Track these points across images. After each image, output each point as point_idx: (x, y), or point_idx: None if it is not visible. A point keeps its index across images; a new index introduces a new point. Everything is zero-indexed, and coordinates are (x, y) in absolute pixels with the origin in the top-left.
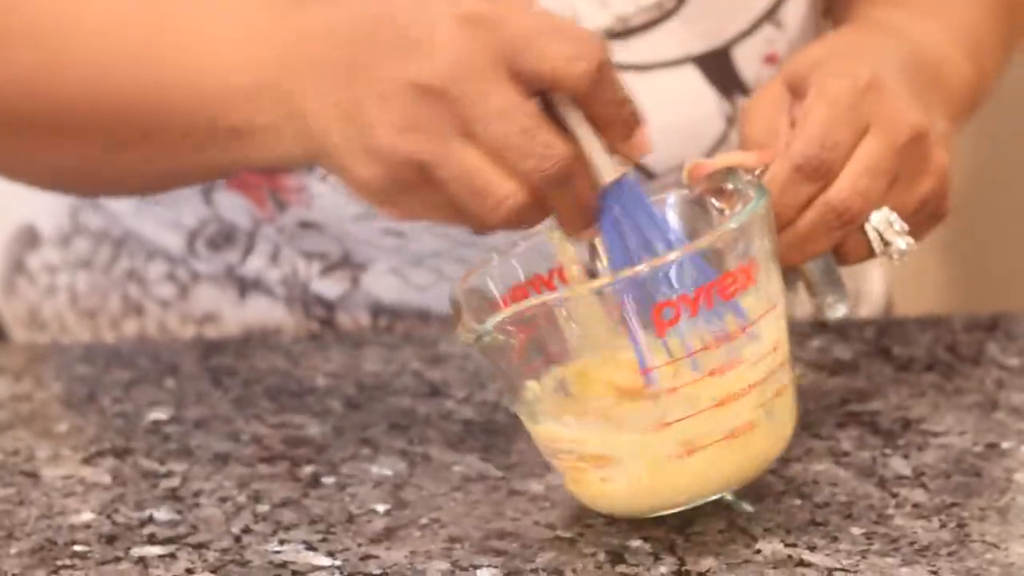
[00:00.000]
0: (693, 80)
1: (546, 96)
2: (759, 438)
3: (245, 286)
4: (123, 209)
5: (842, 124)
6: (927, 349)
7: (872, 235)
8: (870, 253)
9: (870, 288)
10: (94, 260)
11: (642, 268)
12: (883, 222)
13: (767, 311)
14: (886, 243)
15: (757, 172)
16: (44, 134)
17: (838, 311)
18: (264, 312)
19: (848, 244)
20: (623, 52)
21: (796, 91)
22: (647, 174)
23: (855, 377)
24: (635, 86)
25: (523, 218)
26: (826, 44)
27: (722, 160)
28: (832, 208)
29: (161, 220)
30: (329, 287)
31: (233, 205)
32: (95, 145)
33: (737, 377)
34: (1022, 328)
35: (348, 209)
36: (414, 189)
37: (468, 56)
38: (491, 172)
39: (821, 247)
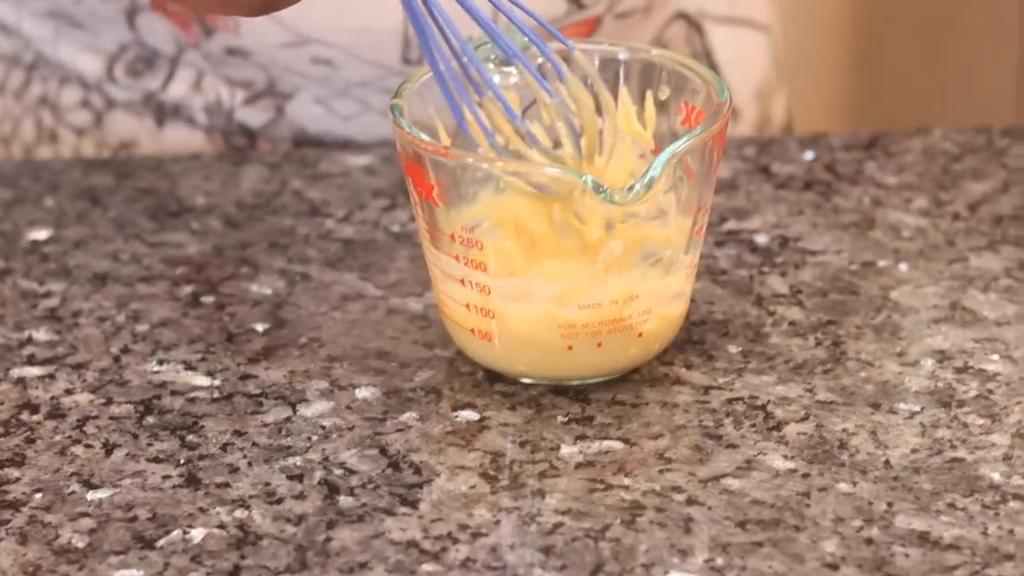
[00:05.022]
0: None
1: None
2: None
3: (164, 113)
4: (40, 34)
5: None
6: (806, 167)
7: None
8: None
9: (774, 112)
10: (5, 85)
11: None
12: None
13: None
14: None
15: None
16: None
17: None
18: (183, 140)
19: None
20: None
21: None
22: None
23: (734, 195)
24: None
25: None
26: None
27: None
28: None
29: (80, 44)
30: (253, 115)
31: (157, 30)
32: None
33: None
34: (901, 147)
35: (276, 36)
36: None
37: None
38: None
39: None
